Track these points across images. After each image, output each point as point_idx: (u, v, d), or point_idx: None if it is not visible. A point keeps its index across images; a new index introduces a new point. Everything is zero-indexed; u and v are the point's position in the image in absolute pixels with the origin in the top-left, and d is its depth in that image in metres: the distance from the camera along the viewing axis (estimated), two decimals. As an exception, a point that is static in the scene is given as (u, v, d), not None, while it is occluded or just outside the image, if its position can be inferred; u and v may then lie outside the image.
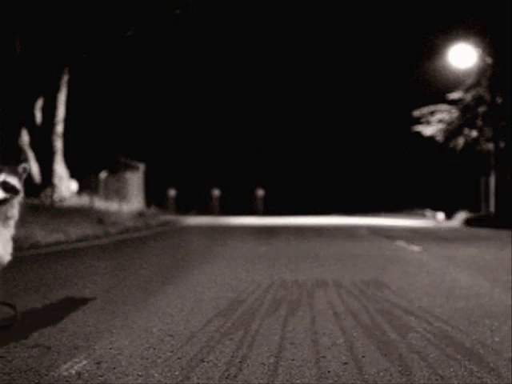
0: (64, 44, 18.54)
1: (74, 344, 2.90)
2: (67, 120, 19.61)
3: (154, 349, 2.83)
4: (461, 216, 23.50)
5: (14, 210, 2.73)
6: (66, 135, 19.54)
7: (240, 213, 34.17)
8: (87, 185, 20.15)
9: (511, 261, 7.34)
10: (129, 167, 23.66)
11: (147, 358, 2.64)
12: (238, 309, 3.88)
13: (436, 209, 28.81)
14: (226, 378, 2.37)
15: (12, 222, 2.73)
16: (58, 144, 19.26)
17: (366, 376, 2.41)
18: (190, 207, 32.14)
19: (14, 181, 2.67)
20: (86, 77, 22.39)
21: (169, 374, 2.42)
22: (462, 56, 22.67)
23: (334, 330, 3.25)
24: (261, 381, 2.34)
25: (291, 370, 2.49)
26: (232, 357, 2.68)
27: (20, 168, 2.76)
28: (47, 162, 18.70)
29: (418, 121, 24.99)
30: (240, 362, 2.60)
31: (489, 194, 23.68)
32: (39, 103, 18.85)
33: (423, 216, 30.61)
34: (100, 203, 19.01)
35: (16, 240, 9.50)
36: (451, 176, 32.35)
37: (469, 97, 24.05)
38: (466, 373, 2.47)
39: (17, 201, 2.72)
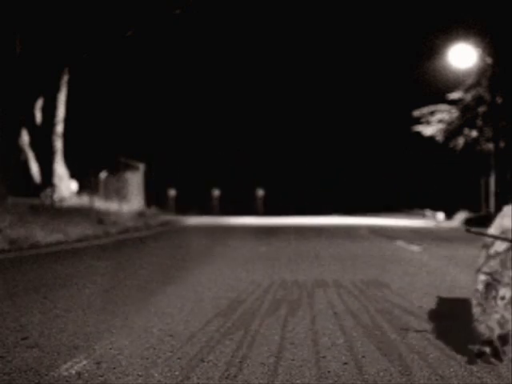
0: (64, 44, 18.54)
1: (73, 344, 2.90)
2: (67, 120, 19.61)
3: (154, 349, 2.83)
4: (461, 216, 23.50)
5: None
6: (66, 135, 19.54)
7: (240, 213, 34.17)
8: (87, 185, 20.14)
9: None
10: (129, 167, 23.66)
11: (147, 358, 2.64)
12: (238, 309, 3.88)
13: (436, 209, 28.81)
14: (226, 378, 2.37)
15: None
16: (58, 144, 19.26)
17: (365, 376, 2.41)
18: (190, 207, 32.14)
19: None
20: (86, 77, 22.39)
21: (169, 374, 2.42)
22: (462, 56, 22.66)
23: (333, 330, 3.25)
24: (261, 381, 2.34)
25: (291, 369, 2.49)
26: (232, 357, 2.68)
27: None
28: (47, 162, 18.70)
29: (418, 121, 25.00)
30: (240, 361, 2.60)
31: (489, 194, 23.68)
32: (39, 103, 18.85)
33: (423, 216, 30.61)
34: (100, 203, 19.00)
35: (16, 240, 9.48)
36: (451, 176, 32.35)
37: (469, 97, 24.05)
38: (465, 373, 2.47)
39: None
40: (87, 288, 4.81)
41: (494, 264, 2.53)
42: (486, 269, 2.56)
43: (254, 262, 7.15)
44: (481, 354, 2.49)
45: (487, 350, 2.49)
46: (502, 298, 2.48)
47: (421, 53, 25.99)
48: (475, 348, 2.52)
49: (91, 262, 7.22)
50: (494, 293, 2.50)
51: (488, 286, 2.53)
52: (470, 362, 2.52)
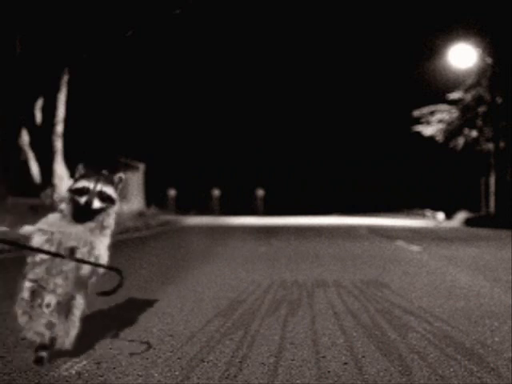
0: (64, 44, 18.54)
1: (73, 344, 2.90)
2: (67, 120, 19.61)
3: (154, 349, 2.83)
4: (461, 216, 23.51)
5: (110, 220, 2.69)
6: (65, 135, 19.54)
7: (240, 213, 34.16)
8: (87, 185, 20.09)
9: (511, 261, 7.34)
10: (129, 167, 23.66)
11: (147, 358, 2.64)
12: (238, 309, 3.88)
13: (436, 209, 28.81)
14: (226, 377, 2.37)
15: (108, 232, 2.69)
16: (58, 144, 19.25)
17: (366, 376, 2.41)
18: (190, 207, 32.12)
19: (109, 190, 2.65)
20: (86, 77, 22.39)
21: (169, 374, 2.42)
22: (462, 56, 22.67)
23: (333, 330, 3.25)
24: (261, 381, 2.34)
25: (291, 369, 2.49)
26: (232, 357, 2.68)
27: (116, 178, 2.73)
28: (47, 162, 18.69)
29: (418, 121, 25.02)
30: (240, 362, 2.60)
31: (489, 194, 23.68)
32: (39, 103, 18.85)
33: (423, 216, 30.61)
34: (100, 203, 18.96)
35: (16, 240, 9.43)
36: (451, 176, 32.37)
37: (469, 97, 24.07)
38: (466, 373, 2.47)
39: (113, 210, 2.69)
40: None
41: (39, 271, 2.57)
42: (31, 276, 2.60)
43: (254, 261, 7.15)
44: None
45: (44, 354, 2.52)
46: (48, 306, 2.53)
47: (421, 53, 26.00)
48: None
49: (91, 262, 7.20)
50: (39, 300, 2.54)
51: (34, 293, 2.57)
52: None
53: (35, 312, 2.53)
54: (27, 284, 2.60)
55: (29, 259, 2.64)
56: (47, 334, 2.50)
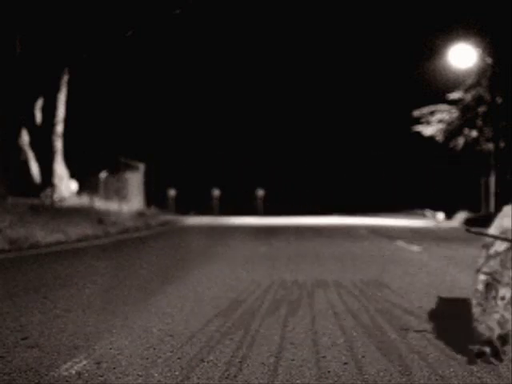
0: (64, 44, 18.54)
1: (73, 344, 2.90)
2: (67, 120, 19.61)
3: (154, 349, 2.83)
4: (461, 216, 23.50)
5: None
6: (65, 135, 19.54)
7: (240, 213, 34.15)
8: (87, 185, 20.14)
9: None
10: (129, 167, 23.65)
11: (147, 358, 2.64)
12: (238, 309, 3.88)
13: (436, 209, 28.81)
14: (226, 377, 2.37)
15: None
16: (58, 144, 19.25)
17: (366, 376, 2.41)
18: (190, 207, 32.11)
19: None
20: (86, 77, 22.39)
21: (169, 374, 2.42)
22: (462, 56, 22.65)
23: (333, 330, 3.25)
24: (261, 381, 2.34)
25: (291, 369, 2.49)
26: (232, 357, 2.68)
27: None
28: (47, 161, 18.69)
29: (418, 121, 25.01)
30: (240, 362, 2.60)
31: (489, 194, 23.67)
32: (39, 103, 18.85)
33: (423, 216, 30.60)
34: (100, 203, 18.99)
35: (16, 240, 9.47)
36: (451, 176, 32.37)
37: (469, 97, 24.06)
38: (465, 373, 2.46)
39: None
40: (87, 288, 4.81)
41: (493, 264, 2.55)
42: (486, 269, 2.58)
43: (254, 261, 7.15)
44: (481, 354, 2.50)
45: (487, 350, 2.49)
46: (502, 298, 2.49)
47: (421, 53, 25.99)
48: (475, 348, 2.52)
49: (91, 261, 7.22)
50: (493, 293, 2.51)
51: (488, 285, 2.54)
52: (470, 362, 2.52)
53: (489, 305, 2.51)
54: (482, 277, 2.59)
55: (483, 253, 2.64)
56: (497, 331, 2.48)
